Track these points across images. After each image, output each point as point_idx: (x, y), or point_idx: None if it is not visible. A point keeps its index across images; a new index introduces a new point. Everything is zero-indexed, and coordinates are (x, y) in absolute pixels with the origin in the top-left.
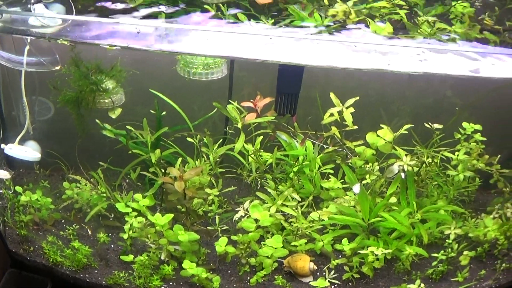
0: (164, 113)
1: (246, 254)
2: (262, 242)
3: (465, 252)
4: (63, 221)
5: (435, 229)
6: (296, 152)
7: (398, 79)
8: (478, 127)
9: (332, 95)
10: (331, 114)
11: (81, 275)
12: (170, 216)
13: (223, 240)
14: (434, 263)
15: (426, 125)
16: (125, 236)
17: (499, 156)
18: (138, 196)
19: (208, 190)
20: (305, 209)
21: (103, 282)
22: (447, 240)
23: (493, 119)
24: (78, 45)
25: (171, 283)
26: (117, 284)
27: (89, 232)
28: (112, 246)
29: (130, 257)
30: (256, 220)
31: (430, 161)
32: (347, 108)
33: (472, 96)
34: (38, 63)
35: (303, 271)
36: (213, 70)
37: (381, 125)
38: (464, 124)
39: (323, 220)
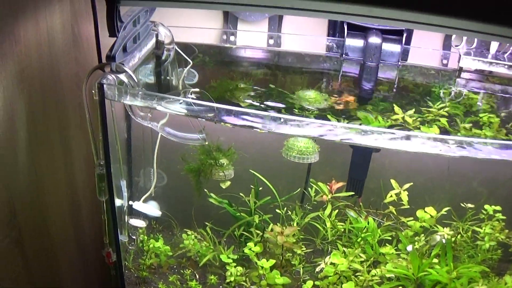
0: (261, 188)
1: None
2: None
3: None
4: (175, 266)
5: (467, 286)
6: (360, 224)
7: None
8: (498, 208)
9: (392, 181)
10: (391, 196)
11: None
12: (273, 261)
13: (309, 283)
14: None
15: (462, 204)
16: (228, 280)
17: None
18: (250, 244)
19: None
20: (367, 268)
21: None
22: None
23: None
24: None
25: None
26: None
27: (197, 276)
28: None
29: None
30: (334, 265)
31: (463, 233)
32: (403, 191)
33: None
34: (196, 139)
35: None
36: (304, 156)
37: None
38: (486, 207)
39: (382, 274)
